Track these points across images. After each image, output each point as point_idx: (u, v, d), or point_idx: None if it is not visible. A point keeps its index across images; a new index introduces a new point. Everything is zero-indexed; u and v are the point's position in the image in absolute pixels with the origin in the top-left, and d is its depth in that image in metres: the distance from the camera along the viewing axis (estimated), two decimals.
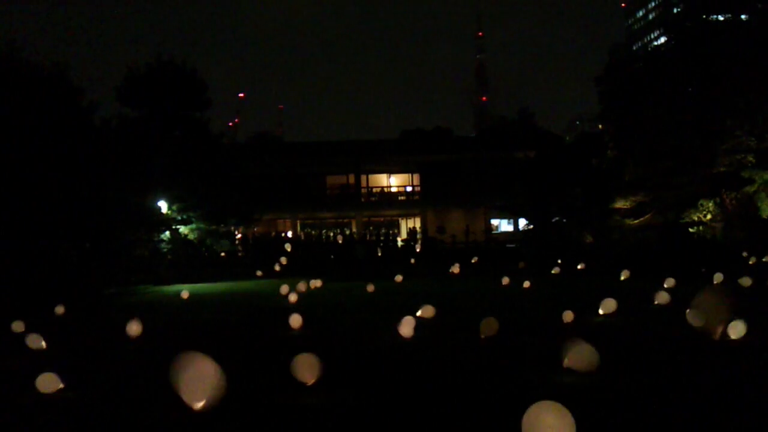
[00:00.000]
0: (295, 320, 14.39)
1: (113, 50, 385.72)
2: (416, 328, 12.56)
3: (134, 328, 13.50)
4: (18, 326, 14.70)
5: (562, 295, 19.78)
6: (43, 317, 16.61)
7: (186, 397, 7.07)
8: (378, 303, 19.55)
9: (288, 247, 32.54)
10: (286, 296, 20.17)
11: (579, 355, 8.96)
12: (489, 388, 8.65)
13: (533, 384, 8.58)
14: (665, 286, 19.21)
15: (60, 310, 18.06)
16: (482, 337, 12.03)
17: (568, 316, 13.11)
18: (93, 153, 31.97)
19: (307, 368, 8.58)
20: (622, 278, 21.96)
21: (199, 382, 6.73)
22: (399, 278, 26.61)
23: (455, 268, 30.48)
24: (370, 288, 23.18)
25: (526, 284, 21.97)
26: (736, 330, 11.26)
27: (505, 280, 23.21)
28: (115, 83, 39.70)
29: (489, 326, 12.15)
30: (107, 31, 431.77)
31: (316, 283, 25.22)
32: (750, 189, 33.53)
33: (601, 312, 14.74)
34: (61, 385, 9.12)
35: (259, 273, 33.81)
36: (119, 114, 38.91)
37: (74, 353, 12.39)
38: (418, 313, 14.33)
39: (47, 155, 28.38)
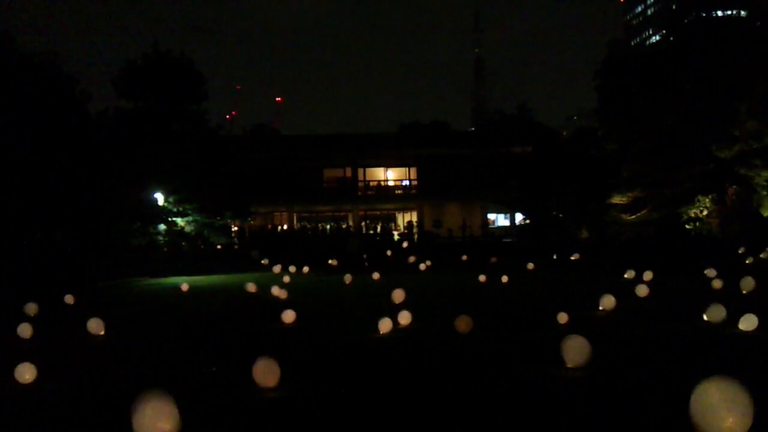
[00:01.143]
0: (288, 316, 14.44)
1: (110, 42, 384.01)
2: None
3: (96, 325, 13.50)
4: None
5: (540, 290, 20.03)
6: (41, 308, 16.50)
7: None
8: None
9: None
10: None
11: (575, 350, 8.92)
12: (486, 383, 8.64)
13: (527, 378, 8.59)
14: (644, 279, 19.30)
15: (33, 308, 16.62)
16: (459, 332, 12.03)
17: (562, 317, 12.99)
18: (88, 143, 31.89)
19: (267, 372, 8.45)
20: (626, 276, 21.87)
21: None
22: (376, 275, 25.58)
23: (421, 264, 30.21)
24: (348, 279, 23.74)
25: (504, 279, 22.04)
26: (748, 322, 11.44)
27: (482, 278, 23.06)
28: (113, 75, 39.55)
29: (464, 323, 12.11)
30: (104, 21, 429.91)
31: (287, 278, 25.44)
32: (745, 171, 33.39)
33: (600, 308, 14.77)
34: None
35: (264, 261, 33.75)
36: (116, 106, 38.86)
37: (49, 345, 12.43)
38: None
39: (39, 145, 28.27)
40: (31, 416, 7.83)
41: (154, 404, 6.33)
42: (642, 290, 16.15)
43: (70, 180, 29.96)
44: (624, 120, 38.64)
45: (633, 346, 10.74)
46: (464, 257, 34.57)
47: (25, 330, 12.98)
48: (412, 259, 32.16)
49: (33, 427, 7.41)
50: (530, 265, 27.39)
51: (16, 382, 9.03)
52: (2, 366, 9.64)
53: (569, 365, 8.88)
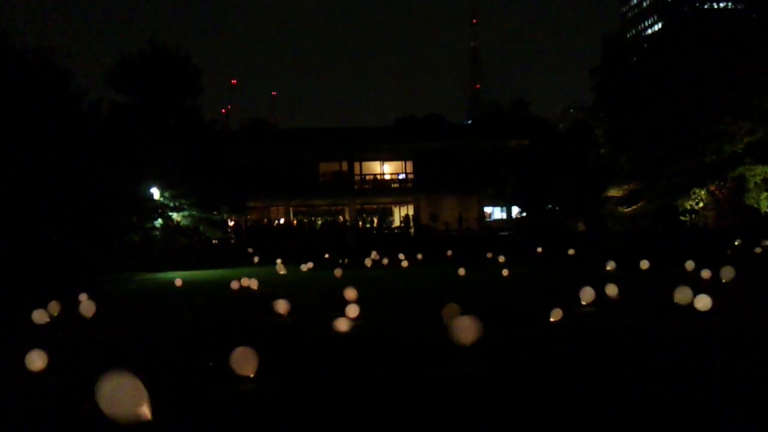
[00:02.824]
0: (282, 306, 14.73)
1: (106, 36, 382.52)
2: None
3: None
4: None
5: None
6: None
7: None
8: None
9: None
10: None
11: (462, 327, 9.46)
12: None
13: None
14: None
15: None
16: (445, 323, 12.10)
17: (556, 314, 12.97)
18: (83, 138, 31.84)
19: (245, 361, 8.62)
20: (609, 268, 22.01)
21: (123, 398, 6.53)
22: (338, 272, 26.04)
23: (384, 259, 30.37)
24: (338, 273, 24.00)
25: (505, 272, 22.37)
26: (702, 302, 12.11)
27: (462, 271, 23.42)
28: (108, 69, 39.45)
29: (451, 312, 12.14)
30: (100, 15, 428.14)
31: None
32: (740, 170, 33.39)
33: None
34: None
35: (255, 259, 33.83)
36: (111, 100, 38.71)
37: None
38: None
39: (35, 141, 28.21)
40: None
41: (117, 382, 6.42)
42: (611, 288, 16.13)
43: (66, 175, 29.90)
44: (620, 113, 38.61)
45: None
46: (449, 252, 34.23)
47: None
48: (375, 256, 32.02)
49: None
50: (501, 258, 27.40)
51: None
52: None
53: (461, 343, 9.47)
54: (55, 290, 19.12)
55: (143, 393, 6.52)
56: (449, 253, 33.85)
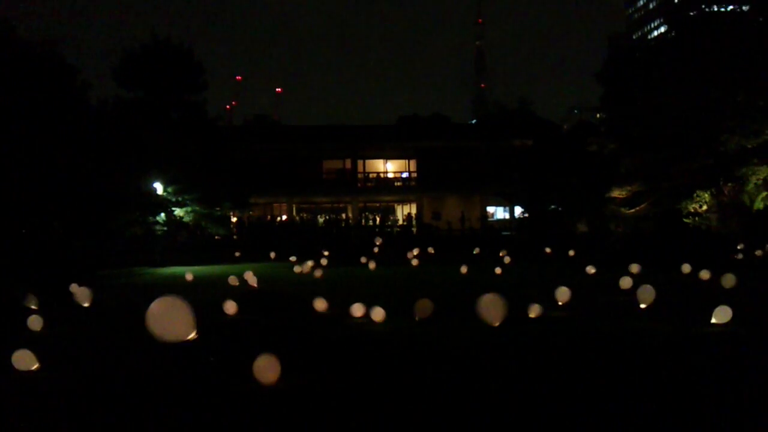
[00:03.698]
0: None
1: (111, 30, 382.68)
2: None
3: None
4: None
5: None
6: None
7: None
8: None
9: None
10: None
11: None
12: None
13: None
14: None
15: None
16: (416, 319, 12.21)
17: (534, 310, 13.03)
18: (88, 133, 31.83)
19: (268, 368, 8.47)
20: (591, 272, 21.90)
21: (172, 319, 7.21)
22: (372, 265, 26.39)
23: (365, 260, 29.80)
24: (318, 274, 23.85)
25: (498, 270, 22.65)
26: (721, 315, 11.84)
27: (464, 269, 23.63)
28: (113, 64, 39.30)
29: (423, 308, 12.19)
30: (104, 11, 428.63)
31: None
32: (744, 171, 33.18)
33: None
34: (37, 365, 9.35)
35: (272, 255, 33.46)
36: (116, 95, 38.66)
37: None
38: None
39: (40, 134, 28.21)
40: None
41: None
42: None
43: (71, 169, 29.91)
44: (625, 113, 38.48)
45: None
46: (415, 252, 32.88)
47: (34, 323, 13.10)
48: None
49: None
50: (507, 259, 27.50)
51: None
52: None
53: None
54: (53, 284, 19.13)
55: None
56: (476, 252, 33.45)
